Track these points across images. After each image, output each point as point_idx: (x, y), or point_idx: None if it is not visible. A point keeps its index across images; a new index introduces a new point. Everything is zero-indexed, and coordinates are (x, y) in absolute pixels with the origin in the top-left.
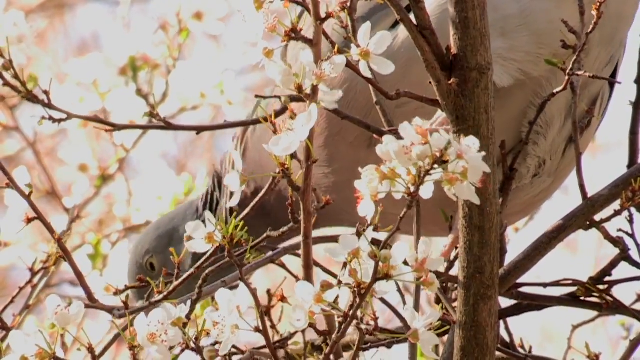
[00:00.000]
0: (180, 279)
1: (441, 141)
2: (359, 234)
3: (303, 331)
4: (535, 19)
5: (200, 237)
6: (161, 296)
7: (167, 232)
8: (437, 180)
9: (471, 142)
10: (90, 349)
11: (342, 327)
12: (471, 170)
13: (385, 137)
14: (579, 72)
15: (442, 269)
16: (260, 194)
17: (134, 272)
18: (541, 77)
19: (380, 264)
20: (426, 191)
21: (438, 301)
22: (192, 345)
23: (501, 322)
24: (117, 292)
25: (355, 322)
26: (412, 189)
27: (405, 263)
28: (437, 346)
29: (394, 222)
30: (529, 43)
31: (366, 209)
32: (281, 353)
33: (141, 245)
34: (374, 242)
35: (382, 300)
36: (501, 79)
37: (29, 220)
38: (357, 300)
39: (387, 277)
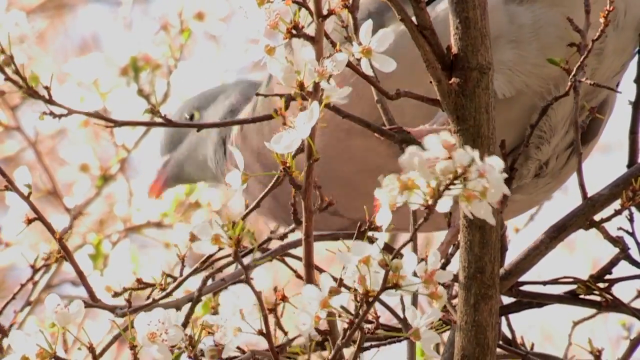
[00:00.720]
0: (181, 279)
1: (465, 158)
2: (370, 240)
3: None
4: (547, 31)
5: (207, 239)
6: (163, 293)
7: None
8: (454, 196)
9: (495, 162)
10: (91, 349)
11: (347, 333)
12: (491, 190)
13: (409, 147)
14: (582, 79)
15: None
16: (266, 190)
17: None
18: (545, 89)
19: (390, 272)
20: (443, 205)
21: None
22: (190, 354)
23: (503, 318)
24: (117, 295)
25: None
26: (430, 201)
27: (414, 274)
28: (437, 345)
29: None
30: (538, 56)
31: (384, 219)
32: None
33: (191, 102)
34: (384, 248)
35: (380, 301)
36: (503, 90)
37: (30, 221)
38: (364, 307)
39: (396, 286)
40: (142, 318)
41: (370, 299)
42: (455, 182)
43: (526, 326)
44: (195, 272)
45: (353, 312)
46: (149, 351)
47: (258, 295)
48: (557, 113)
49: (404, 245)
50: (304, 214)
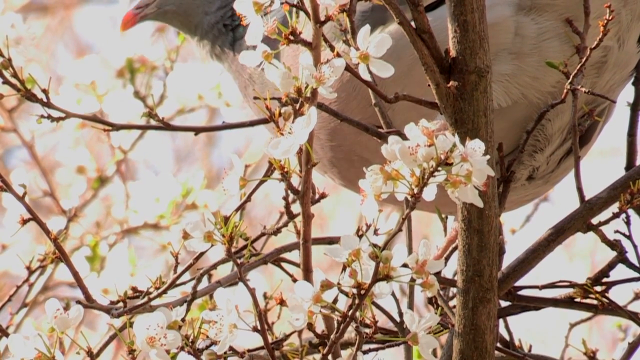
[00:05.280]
0: (177, 274)
1: (446, 143)
2: (360, 235)
3: (299, 333)
4: (550, 45)
5: (199, 236)
6: (159, 291)
7: None
8: (440, 183)
9: (476, 146)
10: (89, 352)
11: (341, 327)
12: (475, 173)
13: (390, 137)
14: (578, 87)
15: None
16: (256, 185)
17: None
18: (542, 101)
19: (381, 264)
20: (429, 193)
21: (430, 301)
22: (189, 349)
23: (500, 321)
24: (113, 303)
25: (355, 325)
26: (415, 190)
27: (405, 265)
28: (434, 348)
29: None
30: (537, 69)
31: (369, 209)
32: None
33: None
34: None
35: (376, 305)
36: (499, 100)
37: (24, 221)
38: (357, 300)
39: (387, 278)
40: (141, 322)
41: (362, 292)
42: (439, 168)
43: (524, 328)
44: (189, 267)
45: (348, 310)
46: (148, 355)
47: (252, 292)
48: (554, 124)
49: (392, 235)
50: (302, 219)
